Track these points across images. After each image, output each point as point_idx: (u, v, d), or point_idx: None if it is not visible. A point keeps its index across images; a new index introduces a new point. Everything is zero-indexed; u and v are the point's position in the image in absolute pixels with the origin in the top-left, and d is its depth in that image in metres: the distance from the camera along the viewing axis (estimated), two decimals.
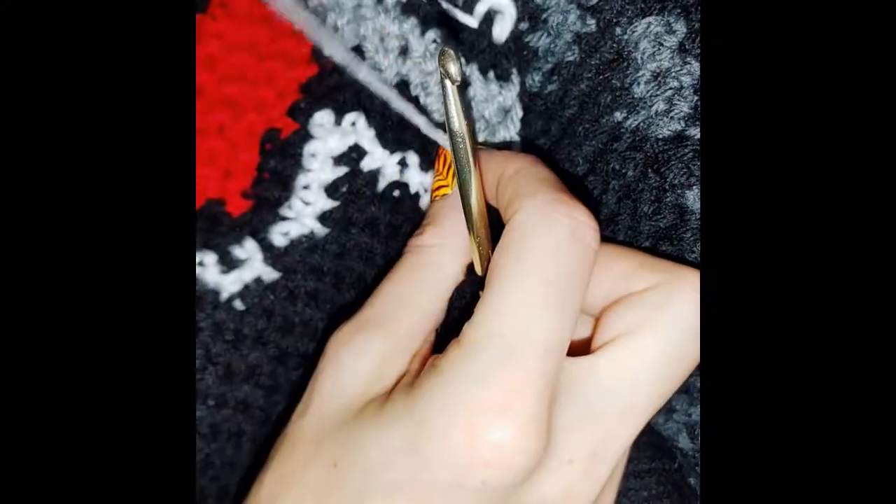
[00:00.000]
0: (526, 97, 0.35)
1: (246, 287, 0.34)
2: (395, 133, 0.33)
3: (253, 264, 0.33)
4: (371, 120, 0.33)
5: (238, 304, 0.34)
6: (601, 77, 0.33)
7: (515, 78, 0.33)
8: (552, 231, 0.27)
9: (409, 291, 0.31)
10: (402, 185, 0.34)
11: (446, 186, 0.33)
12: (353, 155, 0.33)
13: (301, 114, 0.33)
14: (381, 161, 0.33)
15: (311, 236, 0.33)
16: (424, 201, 0.34)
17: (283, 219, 0.33)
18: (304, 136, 0.33)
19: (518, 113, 0.34)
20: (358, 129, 0.33)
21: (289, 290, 0.34)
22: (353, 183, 0.33)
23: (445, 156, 0.34)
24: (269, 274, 0.34)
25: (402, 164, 0.34)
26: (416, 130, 0.33)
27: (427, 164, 0.34)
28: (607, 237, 0.33)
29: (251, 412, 0.35)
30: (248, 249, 0.33)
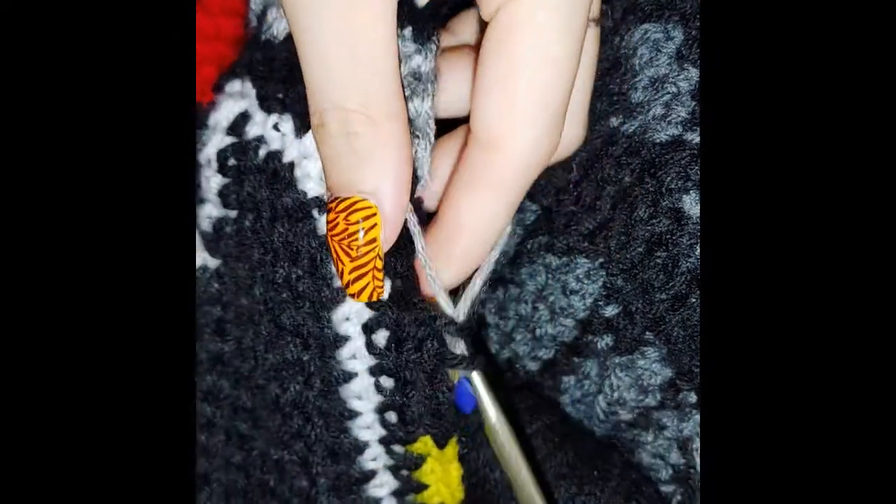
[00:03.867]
0: None
1: (197, 275, 0.32)
2: (273, 91, 0.30)
3: (196, 250, 0.32)
4: (255, 79, 0.30)
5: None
6: (598, 83, 0.33)
7: (436, 39, 0.29)
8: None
9: None
10: (278, 155, 0.30)
11: None
12: (241, 124, 0.30)
13: (219, 86, 0.31)
14: (262, 127, 0.30)
15: (226, 220, 0.31)
16: (299, 172, 0.29)
17: (202, 201, 0.31)
18: (212, 107, 0.31)
19: (433, 82, 0.29)
20: (244, 91, 0.30)
21: (231, 277, 0.32)
22: (237, 155, 0.30)
23: None
24: (211, 261, 0.32)
25: (276, 129, 0.29)
26: (295, 90, 0.29)
27: (305, 128, 0.29)
28: (599, 244, 0.33)
29: (219, 403, 0.33)
30: None
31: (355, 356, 0.30)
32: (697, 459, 0.33)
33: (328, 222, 0.28)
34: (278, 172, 0.30)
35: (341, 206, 0.27)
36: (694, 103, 0.31)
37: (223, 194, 0.30)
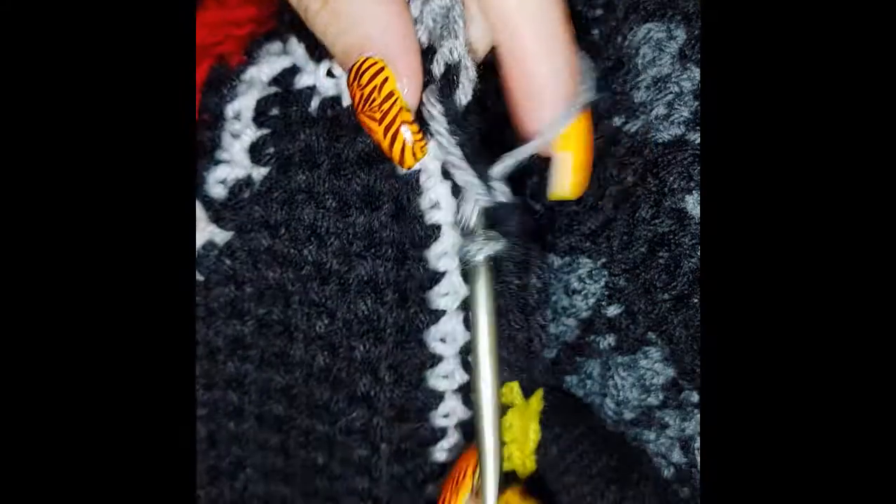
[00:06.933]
0: None
1: (198, 255, 0.30)
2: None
3: (199, 225, 0.30)
4: (300, 34, 0.29)
5: (196, 276, 0.30)
6: (600, 82, 0.32)
7: None
8: None
9: None
10: (335, 101, 0.29)
11: None
12: (287, 76, 0.29)
13: (255, 47, 0.30)
14: (314, 78, 0.29)
15: (248, 181, 0.29)
16: None
17: (218, 163, 0.30)
18: (247, 64, 0.30)
19: (459, 19, 0.27)
20: (291, 49, 0.29)
21: (246, 250, 0.30)
22: (283, 104, 0.29)
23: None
24: (220, 235, 0.30)
25: (330, 74, 0.29)
26: None
27: None
28: (601, 244, 0.33)
29: (245, 388, 0.31)
30: None
31: (449, 293, 0.29)
32: (698, 459, 0.33)
33: (351, 100, 0.26)
34: (340, 119, 0.28)
35: (351, 77, 0.26)
36: (697, 103, 0.31)
37: (255, 148, 0.29)
